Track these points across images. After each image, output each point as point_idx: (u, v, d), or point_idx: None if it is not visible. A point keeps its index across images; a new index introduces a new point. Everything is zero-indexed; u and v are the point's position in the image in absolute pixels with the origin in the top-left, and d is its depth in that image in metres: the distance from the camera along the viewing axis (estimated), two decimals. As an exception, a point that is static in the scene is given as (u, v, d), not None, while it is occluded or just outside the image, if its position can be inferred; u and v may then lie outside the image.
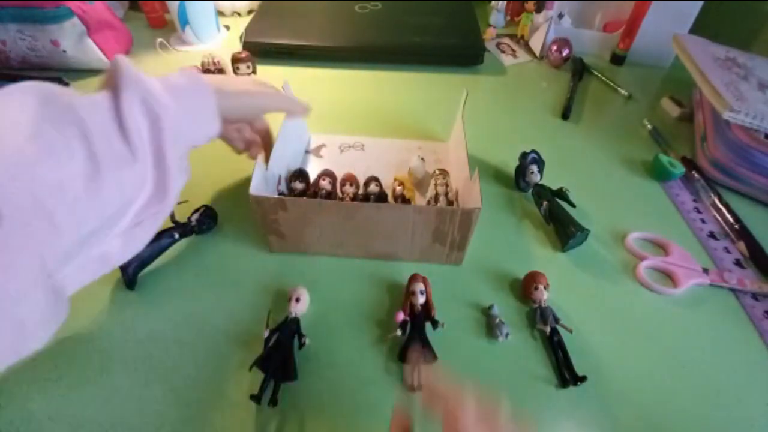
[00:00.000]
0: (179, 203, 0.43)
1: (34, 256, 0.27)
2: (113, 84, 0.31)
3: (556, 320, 0.38)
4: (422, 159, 0.51)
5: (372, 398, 0.34)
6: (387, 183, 0.49)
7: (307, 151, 0.56)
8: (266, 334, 0.35)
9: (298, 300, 0.37)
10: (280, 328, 0.36)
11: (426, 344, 0.36)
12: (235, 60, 0.65)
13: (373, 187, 0.46)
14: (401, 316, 0.37)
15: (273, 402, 0.33)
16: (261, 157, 0.42)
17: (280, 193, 0.47)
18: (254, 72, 0.67)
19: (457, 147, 0.49)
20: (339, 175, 0.49)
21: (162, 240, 0.41)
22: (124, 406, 0.33)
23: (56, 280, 0.29)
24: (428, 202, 0.46)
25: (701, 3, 0.68)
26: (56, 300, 0.30)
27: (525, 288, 0.41)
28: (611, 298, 0.42)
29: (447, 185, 0.47)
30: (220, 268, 0.43)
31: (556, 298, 0.40)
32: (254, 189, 0.40)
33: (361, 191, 0.48)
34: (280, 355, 0.34)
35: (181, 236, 0.43)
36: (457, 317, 0.39)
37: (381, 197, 0.47)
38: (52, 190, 0.27)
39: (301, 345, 0.36)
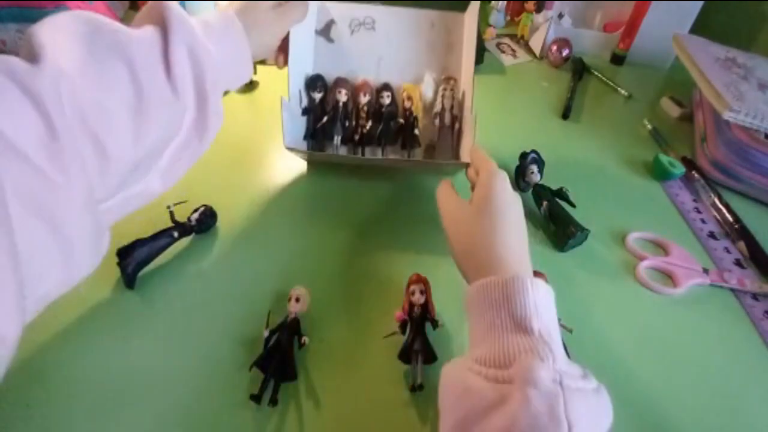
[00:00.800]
0: (179, 203, 0.43)
1: (84, 179, 0.28)
2: (161, 22, 0.32)
3: (556, 320, 0.38)
4: (433, 78, 0.52)
5: (372, 397, 0.34)
6: (400, 81, 0.53)
7: (316, 32, 0.54)
8: (266, 334, 0.35)
9: (298, 300, 0.37)
10: (279, 328, 0.36)
11: (426, 344, 0.35)
12: (235, 60, 0.65)
13: (385, 98, 0.51)
14: (401, 316, 0.37)
15: (273, 402, 0.33)
16: (285, 103, 0.47)
17: (303, 110, 0.51)
18: (254, 72, 0.67)
19: (470, 26, 0.51)
20: (353, 75, 0.53)
21: (161, 239, 0.41)
22: (122, 402, 0.33)
23: (101, 210, 0.31)
24: (434, 117, 0.51)
25: (701, 3, 0.68)
26: (100, 229, 0.31)
27: (525, 288, 0.41)
28: (611, 298, 0.42)
29: (453, 98, 0.51)
30: (219, 268, 0.43)
31: (556, 298, 0.40)
32: (289, 142, 0.47)
33: (374, 100, 0.52)
34: (279, 355, 0.34)
35: (181, 236, 0.43)
36: (457, 317, 0.39)
37: (391, 114, 0.52)
38: (99, 115, 0.28)
39: (301, 345, 0.36)
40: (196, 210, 0.44)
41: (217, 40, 0.35)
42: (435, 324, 0.37)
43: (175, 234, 0.42)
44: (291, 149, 0.48)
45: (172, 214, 0.42)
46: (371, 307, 0.40)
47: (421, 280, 0.39)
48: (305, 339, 0.36)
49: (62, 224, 0.27)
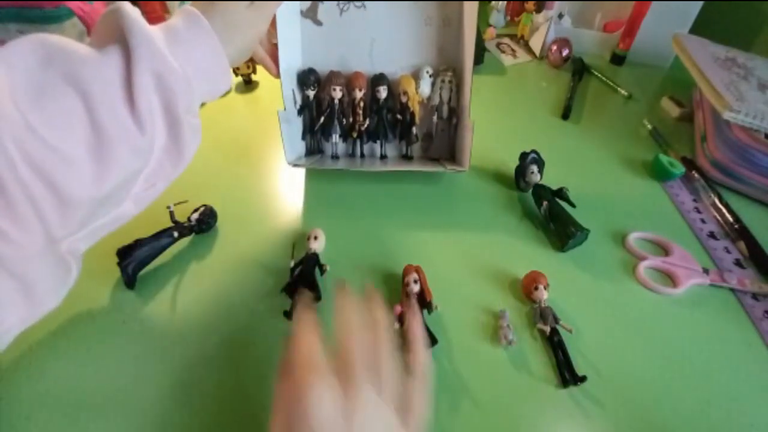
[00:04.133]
0: (179, 203, 0.43)
1: (40, 225, 0.26)
2: (123, 42, 0.28)
3: (556, 320, 0.38)
4: (429, 73, 0.51)
5: None
6: (395, 69, 0.51)
7: (302, 13, 0.50)
8: (291, 264, 0.40)
9: (316, 238, 0.42)
10: (302, 261, 0.40)
11: (425, 329, 0.36)
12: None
13: (381, 92, 0.50)
14: (398, 310, 0.38)
15: None
16: (282, 115, 0.47)
17: (299, 109, 0.50)
18: (254, 72, 0.67)
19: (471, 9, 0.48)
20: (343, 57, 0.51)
21: (161, 239, 0.41)
22: (122, 391, 0.33)
23: (68, 243, 0.30)
24: (432, 111, 0.51)
25: (701, 3, 0.68)
26: (65, 263, 0.30)
27: (525, 288, 0.41)
28: (611, 298, 0.42)
29: (451, 89, 0.50)
30: (219, 268, 0.43)
31: (556, 298, 0.40)
32: (289, 157, 0.48)
33: (369, 94, 0.51)
34: (305, 281, 0.39)
35: (181, 236, 0.43)
36: (456, 317, 0.39)
37: (389, 109, 0.51)
38: (52, 159, 0.26)
39: (323, 272, 0.41)
40: (196, 210, 0.44)
41: (187, 53, 0.31)
42: (430, 308, 0.38)
43: (175, 234, 0.42)
44: (295, 165, 0.49)
45: (172, 214, 0.42)
46: (378, 284, 0.41)
47: (414, 269, 0.40)
48: (327, 266, 0.41)
49: (17, 270, 0.26)
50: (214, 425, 0.32)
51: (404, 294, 0.39)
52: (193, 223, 0.44)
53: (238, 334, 0.37)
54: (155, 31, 0.30)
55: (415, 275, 0.39)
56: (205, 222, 0.45)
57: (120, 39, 0.29)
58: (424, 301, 0.38)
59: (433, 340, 0.36)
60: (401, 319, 0.37)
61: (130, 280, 0.40)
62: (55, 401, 0.33)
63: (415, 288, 0.39)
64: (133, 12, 0.29)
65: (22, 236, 0.26)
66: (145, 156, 0.31)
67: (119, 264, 0.39)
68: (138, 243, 0.40)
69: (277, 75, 0.45)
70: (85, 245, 0.31)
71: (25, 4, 0.59)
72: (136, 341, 0.37)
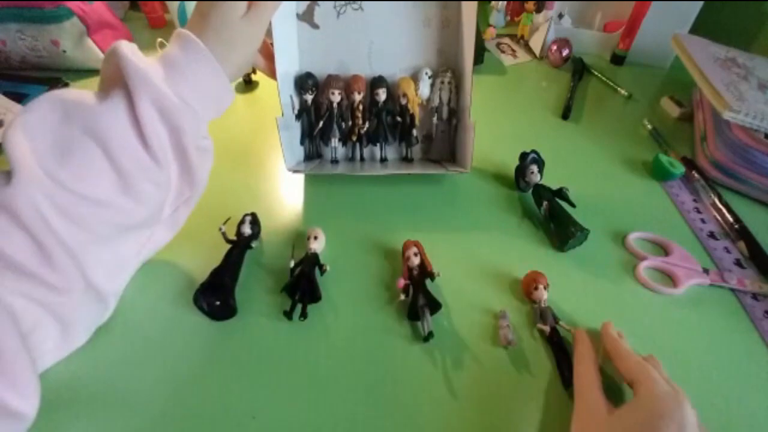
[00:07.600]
0: (226, 221, 0.43)
1: (76, 268, 0.29)
2: (123, 83, 0.30)
3: (556, 320, 0.38)
4: (428, 75, 0.50)
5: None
6: (394, 70, 0.51)
7: (298, 16, 0.49)
8: (291, 264, 0.40)
9: (316, 238, 0.42)
10: (302, 261, 0.40)
11: (429, 297, 0.38)
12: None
13: (380, 95, 0.49)
14: (402, 282, 0.39)
15: (304, 316, 0.38)
16: (280, 122, 0.46)
17: (297, 114, 0.49)
18: (254, 72, 0.67)
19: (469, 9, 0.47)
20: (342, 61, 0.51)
21: (233, 257, 0.41)
22: (121, 390, 0.33)
23: (104, 282, 0.32)
24: (432, 113, 0.51)
25: (701, 3, 0.68)
26: (106, 302, 0.33)
27: (525, 288, 0.41)
28: (611, 298, 0.42)
29: (451, 90, 0.50)
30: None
31: (556, 298, 0.40)
32: (289, 163, 0.48)
33: (368, 96, 0.50)
34: (305, 281, 0.39)
35: (244, 250, 0.42)
36: (456, 317, 0.39)
37: (388, 111, 0.51)
38: (88, 208, 0.29)
39: (323, 272, 0.40)
40: (241, 222, 0.43)
41: (187, 81, 0.32)
42: (432, 276, 0.40)
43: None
44: (294, 171, 0.49)
45: (224, 234, 0.41)
46: (377, 275, 0.42)
47: (413, 243, 0.42)
48: (327, 266, 0.40)
49: (61, 314, 0.29)
50: (213, 425, 0.33)
51: (405, 267, 0.40)
52: (249, 233, 0.42)
53: (238, 334, 0.37)
54: (153, 65, 0.31)
55: (414, 249, 0.41)
56: (255, 231, 0.43)
57: (122, 81, 0.30)
58: (425, 272, 0.40)
59: (437, 305, 0.38)
60: (406, 290, 0.39)
61: (232, 309, 0.38)
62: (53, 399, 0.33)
63: (416, 261, 0.40)
64: (129, 51, 0.30)
65: (64, 282, 0.29)
66: (167, 186, 0.34)
67: (209, 301, 0.38)
68: (220, 273, 0.39)
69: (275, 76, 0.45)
70: (127, 278, 0.35)
71: (25, 4, 0.59)
72: (135, 340, 0.37)
